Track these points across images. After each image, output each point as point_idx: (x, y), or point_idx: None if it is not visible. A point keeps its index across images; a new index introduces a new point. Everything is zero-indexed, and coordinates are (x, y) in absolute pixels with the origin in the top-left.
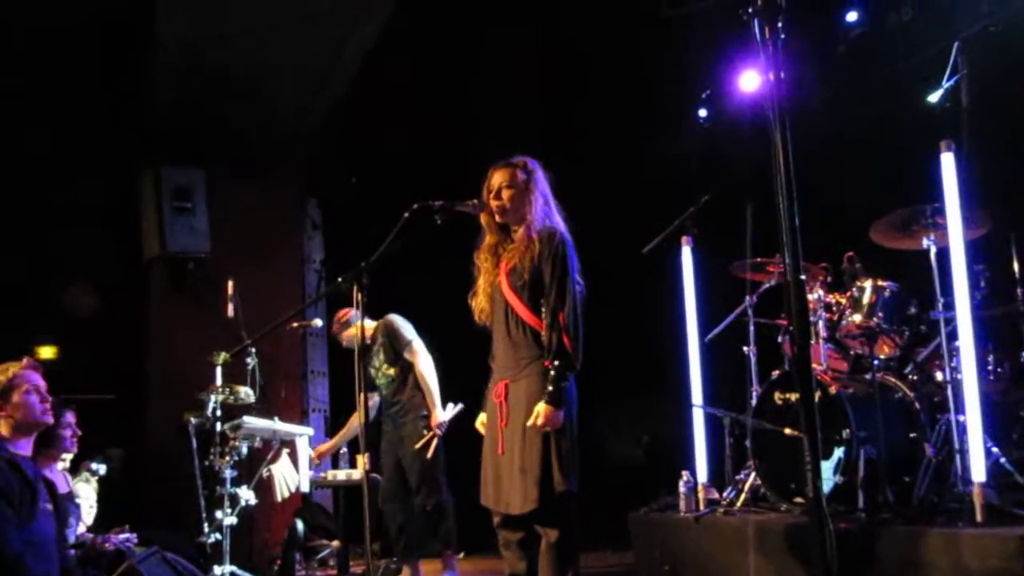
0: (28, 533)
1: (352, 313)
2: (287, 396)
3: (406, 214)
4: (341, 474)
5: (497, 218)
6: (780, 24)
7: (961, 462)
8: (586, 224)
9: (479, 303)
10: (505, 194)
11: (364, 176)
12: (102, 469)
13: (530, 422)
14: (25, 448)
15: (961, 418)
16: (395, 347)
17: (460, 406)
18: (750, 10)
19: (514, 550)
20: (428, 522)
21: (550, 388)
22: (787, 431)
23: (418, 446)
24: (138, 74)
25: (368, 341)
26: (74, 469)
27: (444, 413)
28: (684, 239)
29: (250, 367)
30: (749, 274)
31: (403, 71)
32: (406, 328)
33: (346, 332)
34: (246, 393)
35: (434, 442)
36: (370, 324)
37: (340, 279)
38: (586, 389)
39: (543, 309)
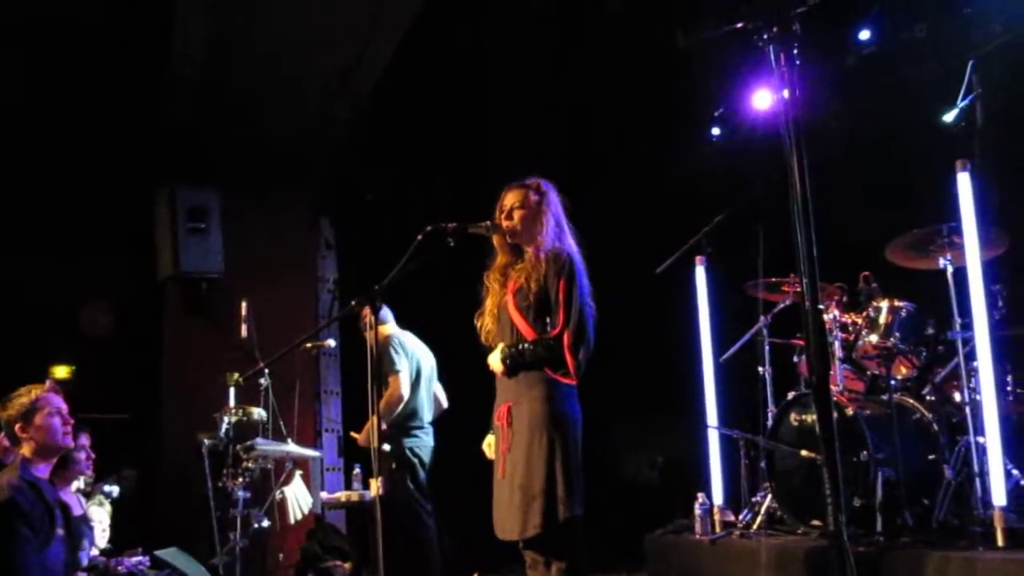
0: (42, 558)
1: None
2: (300, 417)
3: (419, 236)
4: (354, 495)
5: (508, 238)
6: (795, 50)
7: (981, 485)
8: (599, 245)
9: (485, 324)
10: (516, 215)
11: (378, 195)
12: (116, 491)
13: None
14: (44, 472)
15: (980, 440)
16: (382, 367)
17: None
18: (765, 36)
19: (541, 570)
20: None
21: (512, 351)
22: (803, 452)
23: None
24: (153, 94)
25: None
26: (89, 492)
27: (374, 434)
28: (698, 259)
29: (263, 388)
30: (763, 293)
31: (418, 91)
32: (397, 351)
33: (368, 333)
34: (259, 414)
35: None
36: (385, 332)
37: (353, 302)
38: (600, 410)
39: (548, 329)
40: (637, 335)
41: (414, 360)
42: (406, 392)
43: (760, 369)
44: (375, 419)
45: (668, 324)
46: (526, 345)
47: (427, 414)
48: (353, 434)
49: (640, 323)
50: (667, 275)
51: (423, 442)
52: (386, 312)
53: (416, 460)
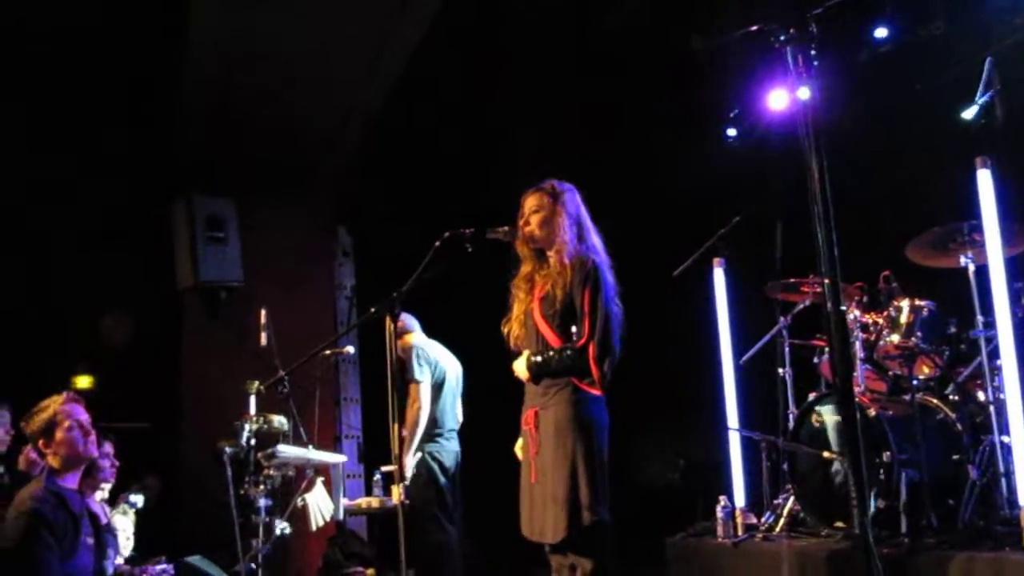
0: (69, 567)
1: (403, 322)
2: (320, 423)
3: (437, 243)
4: (375, 502)
5: (528, 244)
6: (813, 51)
7: (1006, 485)
8: (615, 247)
9: (512, 329)
10: (533, 219)
11: (396, 202)
12: (140, 501)
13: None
14: (72, 482)
15: (1005, 439)
16: (404, 375)
17: (419, 455)
18: (783, 38)
19: (566, 575)
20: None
21: (537, 359)
22: (825, 454)
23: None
24: (170, 103)
25: (403, 355)
26: (112, 500)
27: (411, 460)
28: (715, 260)
29: (283, 395)
30: (782, 294)
31: (436, 96)
32: (421, 358)
33: (399, 341)
34: (280, 422)
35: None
36: (410, 337)
37: (373, 309)
38: (620, 413)
39: (574, 338)
40: (656, 338)
41: (438, 369)
42: (426, 403)
43: (780, 371)
44: (396, 427)
45: (687, 327)
46: (551, 354)
47: (451, 421)
48: (384, 468)
49: (658, 326)
50: (685, 277)
51: (444, 447)
52: (412, 321)
53: (436, 465)
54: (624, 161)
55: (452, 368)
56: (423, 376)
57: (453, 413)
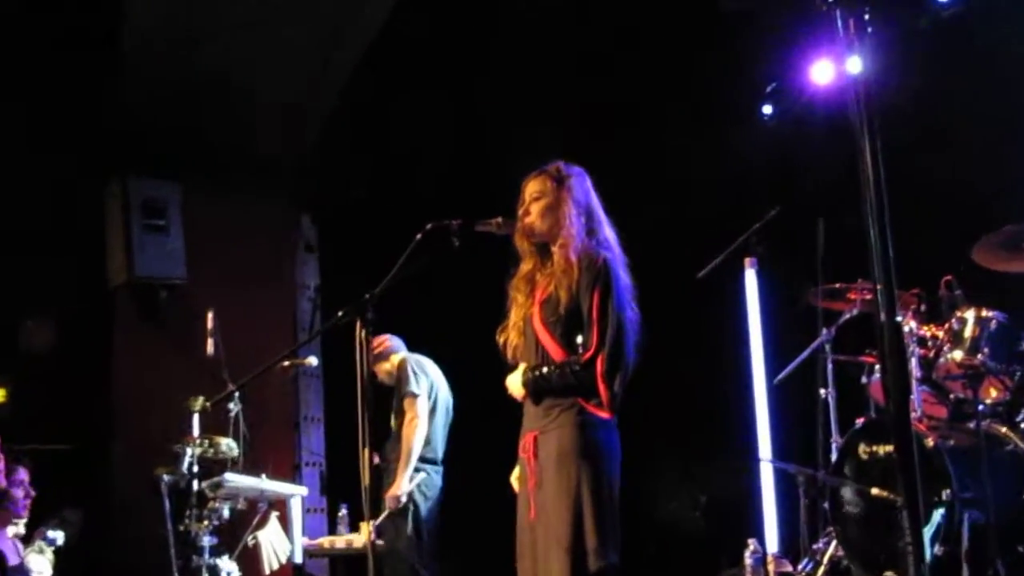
0: None
1: (389, 343)
2: (276, 448)
3: (418, 236)
4: (340, 541)
5: (529, 238)
6: (867, 14)
7: None
8: (631, 243)
9: (510, 339)
10: (534, 208)
11: (368, 189)
12: (59, 538)
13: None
14: None
15: None
16: (399, 393)
17: (422, 474)
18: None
19: None
20: None
21: (536, 374)
22: (874, 491)
23: (376, 522)
24: (101, 73)
25: (390, 380)
26: (27, 537)
27: (407, 485)
28: (747, 260)
29: (233, 414)
30: (824, 302)
31: (412, 65)
32: (417, 373)
33: (380, 366)
34: (228, 446)
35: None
36: (399, 356)
37: (341, 312)
38: (633, 440)
39: (580, 349)
40: (676, 351)
41: (434, 388)
42: (424, 418)
43: (822, 391)
44: (366, 452)
45: (712, 338)
46: (552, 369)
47: (440, 450)
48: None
49: (680, 337)
50: (710, 281)
51: (432, 481)
52: (397, 341)
53: (421, 499)
54: (642, 143)
55: (445, 389)
56: (421, 388)
57: (444, 440)
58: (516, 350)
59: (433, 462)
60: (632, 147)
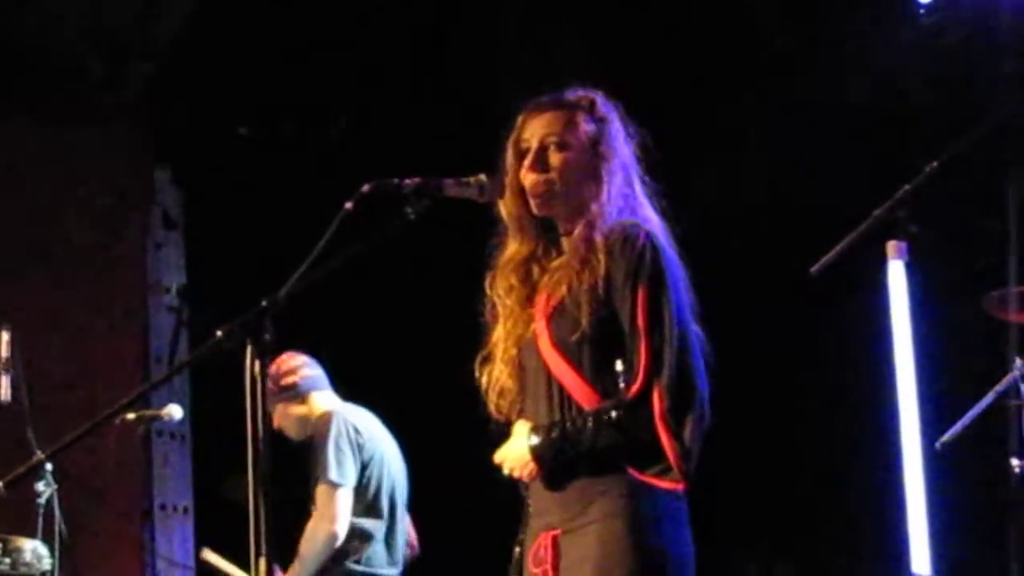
0: None
1: (302, 372)
2: (115, 553)
3: (347, 204)
4: None
5: (536, 208)
6: None
7: None
8: (696, 221)
9: (496, 377)
10: (556, 159)
11: (262, 122)
12: None
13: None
14: None
15: None
16: (314, 466)
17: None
18: None
19: None
20: None
21: (552, 438)
22: None
23: None
24: None
25: (298, 434)
26: None
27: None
28: (891, 247)
29: (43, 499)
30: (1019, 314)
31: None
32: (344, 451)
33: (287, 409)
34: (34, 551)
35: None
36: (323, 407)
37: (221, 332)
38: (708, 533)
39: (621, 381)
40: (771, 392)
41: (376, 462)
42: (344, 519)
43: (1014, 462)
44: (262, 564)
45: (831, 371)
46: (581, 424)
47: (396, 550)
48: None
49: (777, 370)
50: (830, 277)
51: (375, 552)
52: (317, 375)
53: None
54: (726, 56)
55: (392, 456)
56: (346, 476)
57: (401, 539)
58: (504, 397)
59: (377, 516)
60: (722, 69)
